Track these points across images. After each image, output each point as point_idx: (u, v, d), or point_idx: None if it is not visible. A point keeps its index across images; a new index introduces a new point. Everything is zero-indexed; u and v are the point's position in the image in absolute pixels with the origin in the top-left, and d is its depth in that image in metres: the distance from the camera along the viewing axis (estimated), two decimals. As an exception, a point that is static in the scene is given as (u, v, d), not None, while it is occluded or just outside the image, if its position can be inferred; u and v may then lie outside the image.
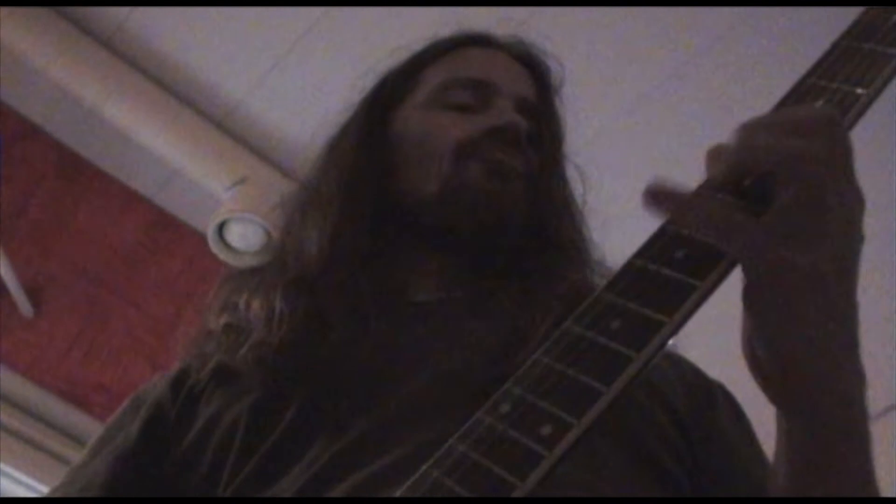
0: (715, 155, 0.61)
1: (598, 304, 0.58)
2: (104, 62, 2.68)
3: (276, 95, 2.78)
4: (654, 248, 0.59)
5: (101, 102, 2.70)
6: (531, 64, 1.08)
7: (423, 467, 0.55)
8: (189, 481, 0.84)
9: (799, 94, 0.63)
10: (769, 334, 0.58)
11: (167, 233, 3.13)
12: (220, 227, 2.79)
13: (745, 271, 0.58)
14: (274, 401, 0.84)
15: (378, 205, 0.97)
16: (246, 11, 2.57)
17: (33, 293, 2.85)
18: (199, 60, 2.75)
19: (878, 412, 3.23)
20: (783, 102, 0.64)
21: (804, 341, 0.57)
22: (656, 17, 2.44)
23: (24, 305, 2.81)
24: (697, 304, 0.56)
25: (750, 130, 0.60)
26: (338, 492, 0.74)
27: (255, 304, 0.92)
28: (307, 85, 2.69)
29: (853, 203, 0.59)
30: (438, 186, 0.94)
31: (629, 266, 0.59)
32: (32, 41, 2.59)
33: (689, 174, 0.65)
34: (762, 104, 0.65)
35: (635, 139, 2.67)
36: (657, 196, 0.59)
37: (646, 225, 0.62)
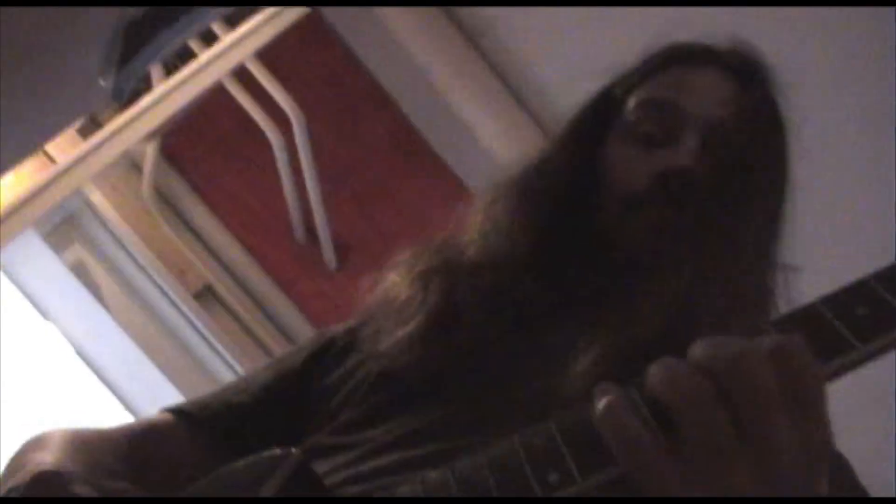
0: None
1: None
2: (465, 56, 2.74)
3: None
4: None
5: (451, 92, 2.76)
6: (744, 74, 1.04)
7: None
8: (319, 411, 0.99)
9: (804, 316, 0.59)
10: None
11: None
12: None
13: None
14: (394, 371, 0.95)
15: (559, 218, 1.02)
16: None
17: (341, 249, 3.01)
18: (548, 70, 2.74)
19: None
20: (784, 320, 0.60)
21: None
22: None
23: (330, 258, 2.98)
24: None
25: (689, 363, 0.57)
26: (420, 450, 0.85)
27: (403, 288, 1.03)
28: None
29: (789, 440, 0.55)
30: (603, 229, 1.00)
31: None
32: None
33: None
34: None
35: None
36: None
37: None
